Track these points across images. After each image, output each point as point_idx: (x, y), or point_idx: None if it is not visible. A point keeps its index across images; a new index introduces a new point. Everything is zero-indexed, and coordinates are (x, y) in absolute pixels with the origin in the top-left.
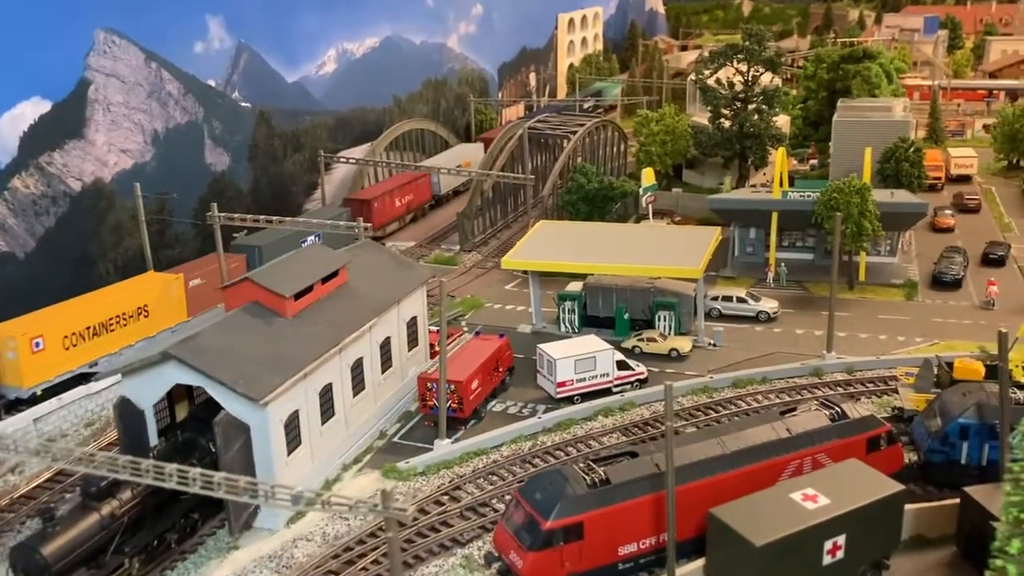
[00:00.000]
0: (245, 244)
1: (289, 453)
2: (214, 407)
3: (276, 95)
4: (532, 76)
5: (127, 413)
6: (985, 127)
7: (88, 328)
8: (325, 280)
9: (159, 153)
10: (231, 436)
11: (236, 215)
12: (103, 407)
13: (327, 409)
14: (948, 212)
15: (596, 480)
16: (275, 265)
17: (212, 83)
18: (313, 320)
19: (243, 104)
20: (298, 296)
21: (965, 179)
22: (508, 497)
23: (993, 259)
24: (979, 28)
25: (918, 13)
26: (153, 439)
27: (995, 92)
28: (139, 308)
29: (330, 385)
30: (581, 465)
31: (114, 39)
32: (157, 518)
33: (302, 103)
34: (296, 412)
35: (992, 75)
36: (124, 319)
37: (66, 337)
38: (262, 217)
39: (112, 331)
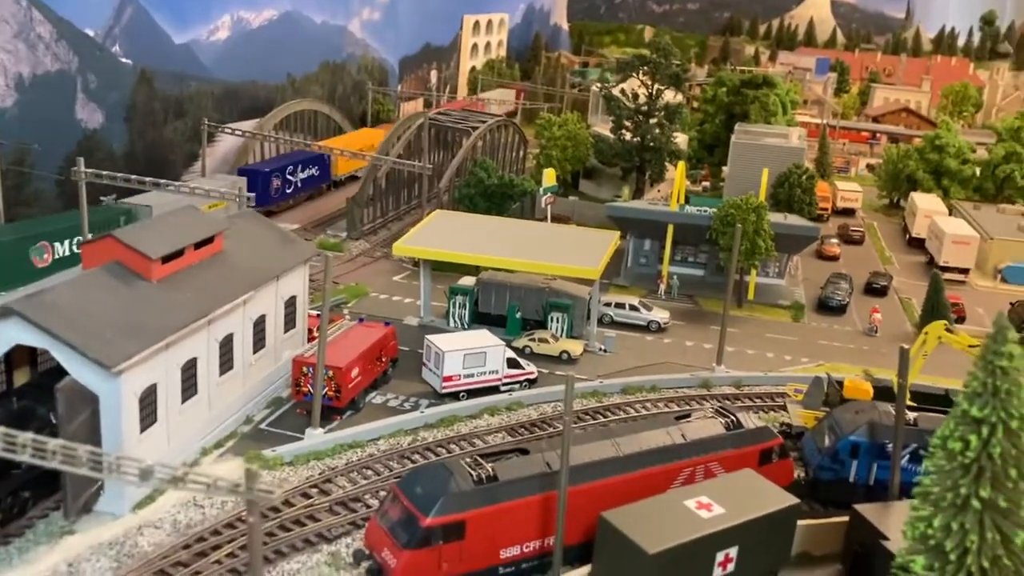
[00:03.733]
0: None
1: (142, 431)
2: (60, 375)
3: (161, 55)
4: (434, 73)
5: None
6: (868, 166)
7: (358, 150)
8: (199, 246)
9: (22, 100)
10: (76, 406)
11: (104, 172)
12: None
13: (189, 386)
14: (834, 241)
15: (483, 476)
16: (143, 224)
17: (90, 33)
18: (181, 287)
19: (123, 60)
20: (166, 259)
21: (849, 212)
22: (383, 492)
23: (876, 288)
24: (865, 75)
25: (811, 54)
26: None
27: (878, 135)
28: (372, 144)
29: (194, 360)
30: (468, 460)
31: None
32: None
33: (189, 68)
34: (154, 386)
35: (876, 119)
36: (369, 150)
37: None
38: (133, 176)
39: (364, 157)
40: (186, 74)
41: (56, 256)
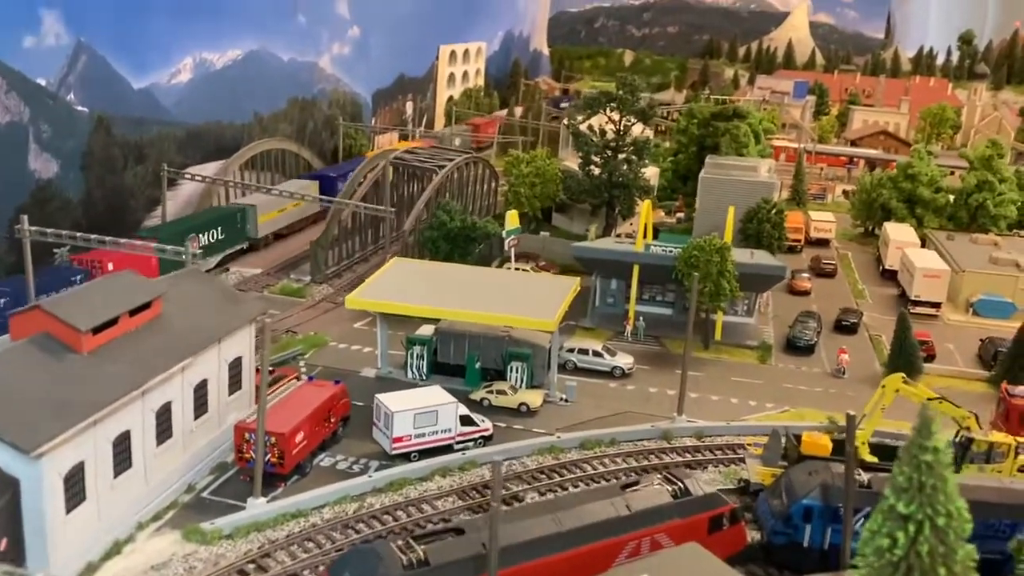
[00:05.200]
0: None
1: (69, 511)
2: None
3: (119, 101)
4: (409, 105)
5: None
6: (845, 193)
7: None
8: (134, 312)
9: None
10: None
11: (50, 230)
12: None
13: (122, 460)
14: (805, 275)
15: (414, 560)
16: (75, 292)
17: (43, 82)
18: (114, 358)
19: (79, 108)
20: (97, 330)
21: (823, 243)
22: (322, 567)
23: (846, 326)
24: (844, 97)
25: (789, 77)
26: None
27: (856, 159)
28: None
29: (128, 433)
30: (399, 543)
31: None
32: None
33: (149, 112)
34: (81, 464)
35: (854, 143)
36: None
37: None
38: (79, 234)
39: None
40: (146, 118)
41: (201, 243)
